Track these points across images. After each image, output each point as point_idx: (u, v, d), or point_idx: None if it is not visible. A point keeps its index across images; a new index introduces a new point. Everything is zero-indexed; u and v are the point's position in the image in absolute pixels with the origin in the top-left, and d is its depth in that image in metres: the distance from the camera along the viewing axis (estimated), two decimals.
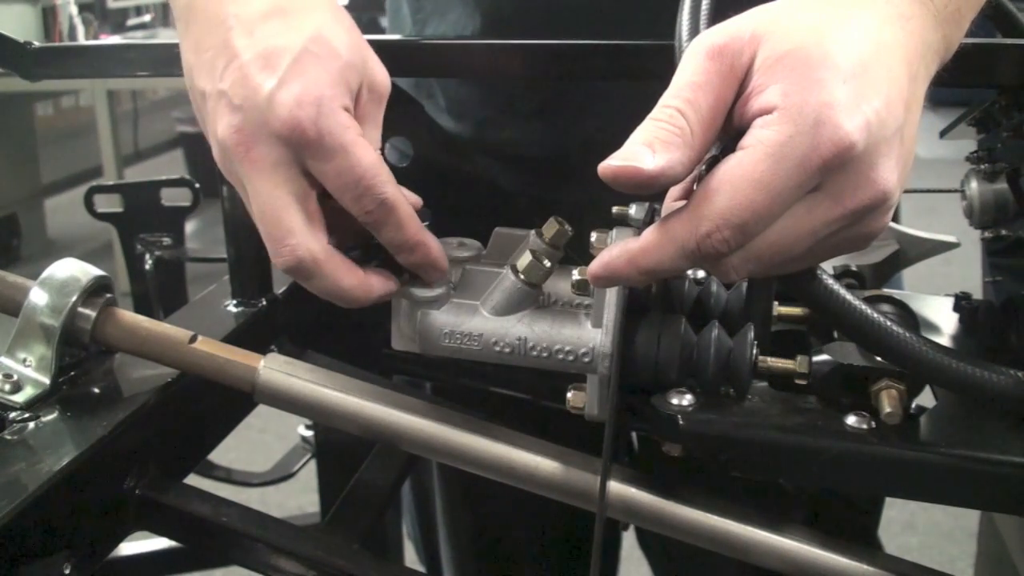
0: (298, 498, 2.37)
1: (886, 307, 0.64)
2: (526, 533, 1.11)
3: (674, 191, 0.57)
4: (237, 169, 0.57)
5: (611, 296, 0.56)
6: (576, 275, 0.56)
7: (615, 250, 0.51)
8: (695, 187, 0.50)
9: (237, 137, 0.56)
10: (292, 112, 0.55)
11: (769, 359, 0.57)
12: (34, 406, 0.60)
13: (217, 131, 0.57)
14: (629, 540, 1.18)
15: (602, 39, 0.72)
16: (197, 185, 1.01)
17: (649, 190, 0.48)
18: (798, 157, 0.46)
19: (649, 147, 0.47)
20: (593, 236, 0.58)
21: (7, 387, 0.60)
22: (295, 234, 0.56)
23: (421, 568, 1.22)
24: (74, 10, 4.16)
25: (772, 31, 0.49)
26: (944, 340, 0.66)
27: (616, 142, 0.49)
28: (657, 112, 0.49)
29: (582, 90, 0.90)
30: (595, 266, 0.52)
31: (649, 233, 0.50)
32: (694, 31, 0.56)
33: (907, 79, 0.49)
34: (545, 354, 0.58)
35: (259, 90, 0.55)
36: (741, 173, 0.47)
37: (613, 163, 0.47)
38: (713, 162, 0.49)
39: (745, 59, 0.49)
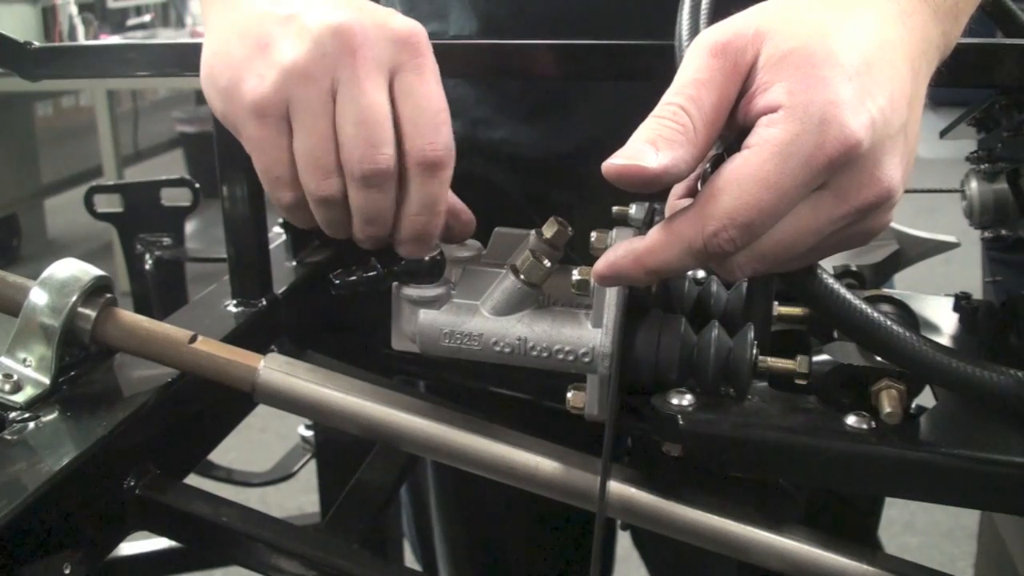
0: (298, 498, 2.37)
1: (886, 307, 0.64)
2: (520, 533, 1.11)
3: (677, 189, 0.57)
4: (340, 66, 0.56)
5: (611, 296, 0.56)
6: (576, 275, 0.56)
7: (620, 249, 0.51)
8: (699, 186, 0.50)
9: (355, 28, 0.56)
10: (410, 22, 0.58)
11: (769, 359, 0.57)
12: (34, 406, 0.60)
13: (324, 21, 0.56)
14: (627, 540, 1.18)
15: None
16: (197, 185, 1.01)
17: (653, 188, 0.48)
18: (804, 156, 0.46)
19: (652, 145, 0.47)
20: (593, 236, 0.58)
21: (7, 387, 0.60)
22: (390, 144, 0.56)
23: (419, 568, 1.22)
24: (74, 10, 4.17)
25: (776, 28, 0.49)
26: (944, 340, 0.66)
27: (608, 144, 0.49)
28: (660, 109, 0.49)
29: (575, 92, 0.90)
30: (600, 265, 0.52)
31: (655, 232, 0.50)
32: (694, 31, 0.56)
33: (910, 76, 0.49)
34: (545, 354, 0.58)
35: (375, 7, 0.58)
36: (747, 172, 0.47)
37: (617, 162, 0.47)
38: (717, 161, 0.49)
39: (749, 56, 0.49)
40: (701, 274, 0.67)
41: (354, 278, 0.60)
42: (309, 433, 1.29)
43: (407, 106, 0.57)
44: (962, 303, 0.68)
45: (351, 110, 0.56)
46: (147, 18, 5.29)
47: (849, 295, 0.52)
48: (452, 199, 0.63)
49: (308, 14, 0.57)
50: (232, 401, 0.68)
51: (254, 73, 0.57)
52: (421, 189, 0.58)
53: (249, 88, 0.57)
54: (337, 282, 0.60)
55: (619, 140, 0.49)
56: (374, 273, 0.60)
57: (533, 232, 0.60)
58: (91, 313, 0.62)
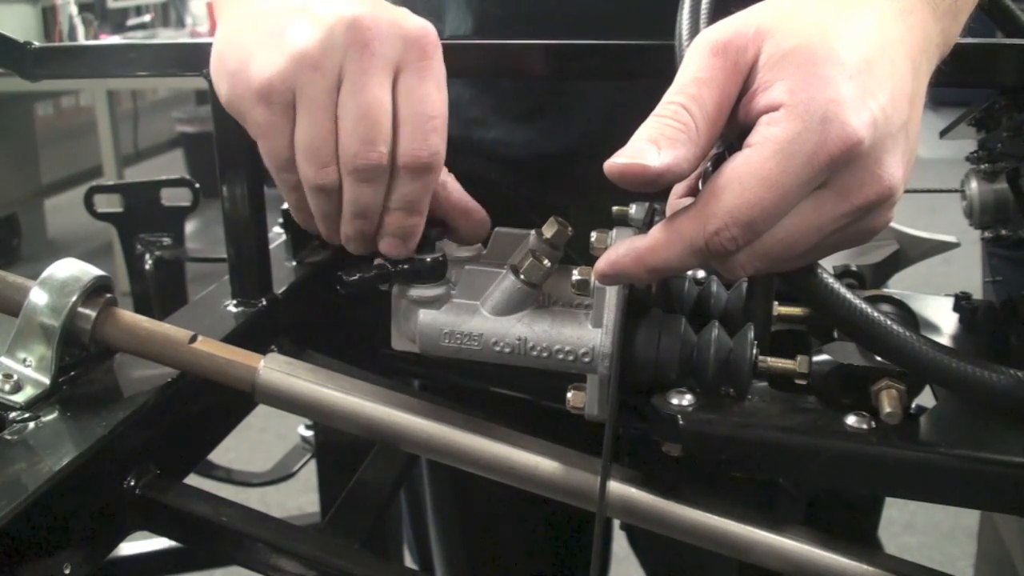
0: (298, 498, 2.37)
1: (886, 307, 0.64)
2: (517, 532, 1.11)
3: (678, 188, 0.57)
4: (348, 58, 0.56)
5: (611, 296, 0.56)
6: (576, 275, 0.56)
7: (622, 248, 0.51)
8: (700, 185, 0.50)
9: (369, 22, 0.56)
10: (423, 23, 0.59)
11: (769, 359, 0.57)
12: (34, 406, 0.60)
13: (338, 13, 0.56)
14: (625, 540, 1.18)
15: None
16: (197, 185, 1.01)
17: (655, 187, 0.48)
18: (806, 154, 0.46)
19: (654, 144, 0.47)
20: (593, 236, 0.58)
21: (7, 387, 0.60)
22: (385, 143, 0.57)
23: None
24: (74, 10, 4.17)
25: (777, 27, 0.49)
26: (944, 340, 0.66)
27: (602, 144, 0.49)
28: (661, 109, 0.49)
29: (569, 92, 0.90)
30: (602, 264, 0.52)
31: (657, 231, 0.50)
32: (694, 30, 0.56)
33: (911, 74, 0.50)
34: (545, 354, 0.58)
35: (390, 5, 0.59)
36: (749, 170, 0.47)
37: (619, 161, 0.47)
38: (718, 160, 0.49)
39: (750, 55, 0.49)
40: (701, 274, 0.67)
41: (361, 276, 0.60)
42: (309, 433, 1.29)
43: (404, 107, 0.58)
44: (962, 303, 0.68)
45: (353, 105, 0.56)
46: (147, 18, 5.29)
47: (849, 295, 0.52)
48: (463, 198, 0.64)
49: (323, 6, 0.57)
50: (232, 401, 0.68)
51: (263, 58, 0.58)
52: (403, 188, 0.59)
53: (256, 72, 0.58)
54: (345, 279, 0.60)
55: (613, 141, 0.49)
56: (380, 271, 0.60)
57: (533, 232, 0.60)
58: (91, 313, 0.62)
